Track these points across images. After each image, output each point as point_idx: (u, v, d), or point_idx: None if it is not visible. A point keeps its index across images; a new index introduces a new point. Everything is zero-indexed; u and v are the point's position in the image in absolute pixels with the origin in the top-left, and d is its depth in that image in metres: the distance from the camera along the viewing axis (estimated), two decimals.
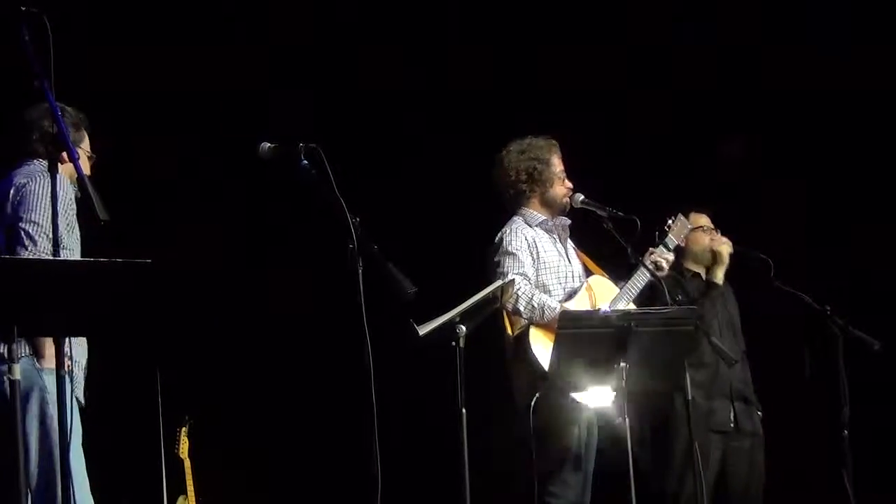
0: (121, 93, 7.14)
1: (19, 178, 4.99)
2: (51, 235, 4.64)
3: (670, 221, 6.50)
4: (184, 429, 7.32)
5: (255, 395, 7.76)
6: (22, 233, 4.85)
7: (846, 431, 6.62)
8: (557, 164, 6.31)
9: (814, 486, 7.46)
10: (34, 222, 4.86)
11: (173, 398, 7.13)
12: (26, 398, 4.70)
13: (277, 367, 7.80)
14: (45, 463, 4.73)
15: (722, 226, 7.04)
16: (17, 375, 4.22)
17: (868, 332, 6.77)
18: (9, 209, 4.92)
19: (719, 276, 6.87)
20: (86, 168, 5.12)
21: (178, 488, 7.23)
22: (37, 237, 4.84)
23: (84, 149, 5.17)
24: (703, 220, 6.99)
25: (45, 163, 4.95)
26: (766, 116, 8.21)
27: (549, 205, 6.29)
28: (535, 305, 5.95)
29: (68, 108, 5.09)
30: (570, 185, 6.31)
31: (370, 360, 4.84)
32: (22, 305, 4.14)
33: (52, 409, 4.70)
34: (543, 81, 8.16)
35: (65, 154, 4.89)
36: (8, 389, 4.54)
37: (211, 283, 7.54)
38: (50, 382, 4.69)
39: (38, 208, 4.89)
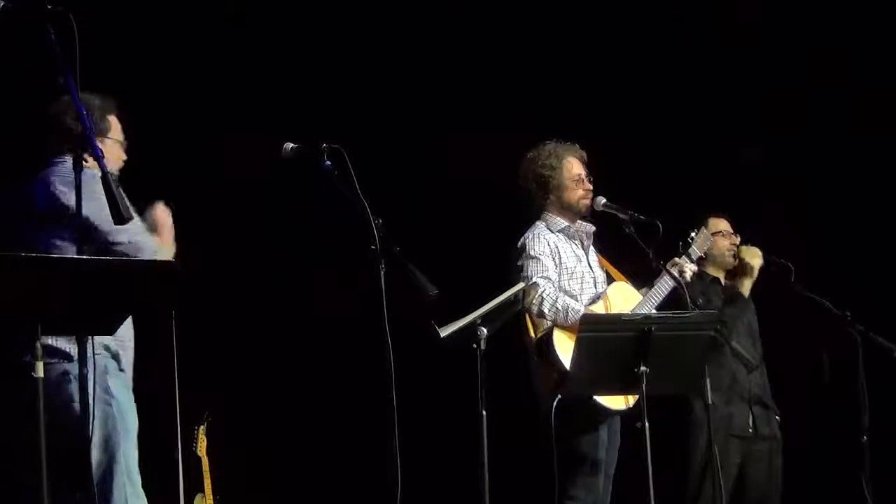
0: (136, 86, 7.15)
1: (59, 184, 4.85)
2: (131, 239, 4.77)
3: (693, 234, 6.50)
4: (202, 427, 7.33)
5: (273, 395, 7.77)
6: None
7: (865, 437, 6.61)
8: (571, 168, 6.30)
9: (832, 491, 7.45)
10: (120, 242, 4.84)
11: (191, 396, 7.13)
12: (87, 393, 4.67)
13: (297, 366, 7.80)
14: (101, 455, 4.80)
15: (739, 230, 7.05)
16: (41, 373, 4.22)
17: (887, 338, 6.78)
18: (62, 218, 4.79)
19: (746, 287, 6.83)
20: (120, 155, 5.11)
21: (195, 486, 7.23)
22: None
23: (114, 137, 5.10)
24: (723, 224, 6.98)
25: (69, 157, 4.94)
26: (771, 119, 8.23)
27: (566, 209, 6.29)
28: (560, 308, 5.95)
29: (92, 97, 5.01)
30: (588, 187, 6.30)
31: (391, 361, 4.85)
32: (46, 304, 4.12)
33: (113, 407, 4.79)
34: (560, 82, 8.17)
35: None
36: (74, 386, 4.64)
37: (232, 282, 7.55)
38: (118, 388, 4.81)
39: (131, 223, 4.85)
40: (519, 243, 6.20)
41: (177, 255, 5.08)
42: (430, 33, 8.12)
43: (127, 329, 4.96)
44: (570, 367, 5.65)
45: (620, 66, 8.20)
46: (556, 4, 8.19)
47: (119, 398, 4.83)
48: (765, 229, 7.27)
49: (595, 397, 5.89)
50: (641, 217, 6.15)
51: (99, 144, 4.94)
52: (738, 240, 6.94)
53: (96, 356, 4.76)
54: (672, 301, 6.23)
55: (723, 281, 6.96)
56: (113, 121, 5.14)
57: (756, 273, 6.82)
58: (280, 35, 7.90)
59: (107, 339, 4.79)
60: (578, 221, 6.31)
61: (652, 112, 8.20)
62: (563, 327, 5.95)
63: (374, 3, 8.06)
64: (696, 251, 6.48)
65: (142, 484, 4.95)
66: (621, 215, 6.20)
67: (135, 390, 5.02)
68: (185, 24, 7.53)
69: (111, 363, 4.88)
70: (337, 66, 7.97)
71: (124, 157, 5.14)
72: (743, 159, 8.31)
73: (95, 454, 4.76)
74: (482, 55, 8.17)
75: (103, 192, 4.64)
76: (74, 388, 4.67)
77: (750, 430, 6.72)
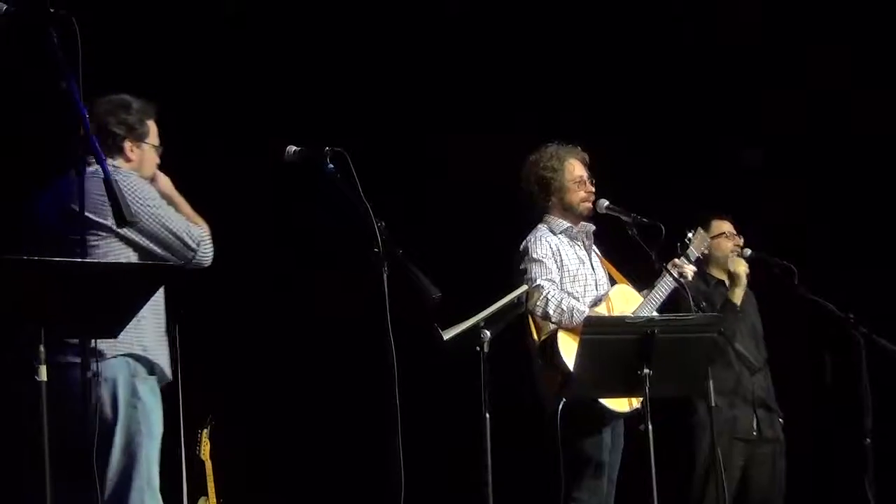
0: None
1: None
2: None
3: (690, 234, 6.50)
4: (205, 430, 7.32)
5: (277, 398, 7.76)
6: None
7: (868, 439, 6.61)
8: (573, 170, 6.30)
9: (835, 493, 7.45)
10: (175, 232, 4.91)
11: (194, 399, 7.13)
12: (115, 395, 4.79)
13: (301, 369, 7.79)
14: (122, 457, 4.81)
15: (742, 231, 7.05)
16: (44, 377, 4.21)
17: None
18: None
19: (737, 296, 6.81)
20: (155, 160, 5.12)
21: (198, 490, 7.23)
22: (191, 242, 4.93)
23: (150, 142, 5.10)
24: (726, 226, 6.99)
25: (120, 161, 4.98)
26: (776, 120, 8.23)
27: (568, 211, 6.29)
28: (565, 309, 5.96)
29: (132, 99, 5.07)
30: (591, 189, 6.31)
31: (394, 363, 4.84)
32: (48, 307, 4.11)
33: (139, 410, 4.81)
34: (561, 83, 8.17)
35: (128, 147, 4.99)
36: (102, 387, 4.72)
37: (235, 285, 7.54)
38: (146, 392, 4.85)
39: (169, 217, 4.92)
40: (521, 246, 6.20)
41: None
42: (430, 34, 8.11)
43: (158, 328, 4.97)
44: (574, 370, 5.65)
45: (621, 66, 8.21)
46: (557, 5, 8.19)
47: (145, 401, 4.83)
48: (766, 230, 7.28)
49: (599, 400, 5.88)
50: (644, 219, 6.16)
51: (136, 149, 5.02)
52: (741, 241, 6.94)
53: (125, 358, 4.81)
54: (673, 302, 6.24)
55: (728, 283, 6.96)
56: (151, 125, 5.13)
57: (744, 280, 6.81)
58: (282, 37, 7.90)
59: (138, 341, 4.82)
60: (581, 223, 6.31)
61: (652, 113, 8.20)
62: (568, 329, 5.95)
63: (374, 5, 8.06)
64: (693, 252, 6.49)
65: None
66: (624, 218, 6.21)
67: None
68: (187, 26, 7.53)
69: (140, 366, 4.87)
70: (338, 68, 7.97)
71: (158, 161, 5.16)
72: (744, 162, 8.30)
73: (116, 455, 4.77)
74: (482, 55, 8.17)
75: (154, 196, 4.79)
76: (104, 388, 4.74)
77: (754, 433, 6.72)
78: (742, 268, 6.81)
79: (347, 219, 5.02)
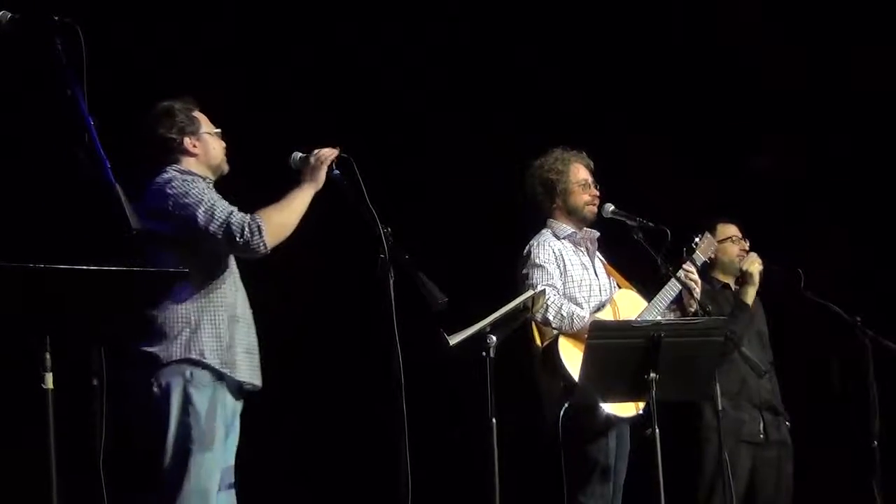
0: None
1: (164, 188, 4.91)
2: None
3: (697, 239, 6.49)
4: None
5: (282, 404, 7.73)
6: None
7: (876, 442, 6.60)
8: (577, 173, 6.31)
9: (843, 496, 7.43)
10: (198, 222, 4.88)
11: None
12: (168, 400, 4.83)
13: (306, 375, 7.78)
14: (171, 462, 4.84)
15: (750, 235, 7.04)
16: (50, 384, 4.21)
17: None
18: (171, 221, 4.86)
19: (750, 295, 6.77)
20: (220, 145, 5.16)
21: None
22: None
23: (206, 131, 5.13)
24: (732, 230, 6.98)
25: (186, 159, 5.03)
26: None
27: (572, 215, 6.29)
28: (565, 315, 5.95)
29: (172, 102, 5.10)
30: (595, 193, 6.31)
31: (401, 369, 4.84)
32: (54, 314, 4.11)
33: (190, 416, 4.84)
34: (563, 85, 8.18)
35: (188, 144, 5.02)
36: (157, 393, 4.81)
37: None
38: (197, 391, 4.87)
39: (198, 206, 4.88)
40: (524, 250, 6.21)
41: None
42: (431, 35, 8.12)
43: (221, 334, 4.99)
44: (579, 375, 5.65)
45: (623, 67, 8.20)
46: (560, 6, 8.19)
47: (198, 408, 4.84)
48: (770, 233, 7.27)
49: (603, 404, 5.88)
50: (650, 223, 6.16)
51: (197, 143, 5.09)
52: (747, 245, 6.93)
53: (180, 364, 4.84)
54: (676, 305, 6.24)
55: (733, 287, 6.95)
56: (199, 116, 5.16)
57: (757, 280, 6.78)
58: (282, 40, 7.90)
59: (196, 347, 4.87)
60: (584, 228, 6.31)
61: (656, 115, 8.19)
62: (569, 335, 5.95)
63: (374, 7, 8.06)
64: (699, 256, 6.48)
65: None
66: (630, 222, 6.21)
67: None
68: (189, 28, 7.52)
69: (199, 372, 4.88)
70: (339, 70, 7.97)
71: (223, 144, 5.18)
72: (750, 168, 8.30)
73: (167, 460, 4.82)
74: (483, 56, 8.17)
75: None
76: (158, 394, 4.81)
77: (761, 437, 6.71)
78: (756, 266, 6.78)
79: (353, 225, 5.02)
